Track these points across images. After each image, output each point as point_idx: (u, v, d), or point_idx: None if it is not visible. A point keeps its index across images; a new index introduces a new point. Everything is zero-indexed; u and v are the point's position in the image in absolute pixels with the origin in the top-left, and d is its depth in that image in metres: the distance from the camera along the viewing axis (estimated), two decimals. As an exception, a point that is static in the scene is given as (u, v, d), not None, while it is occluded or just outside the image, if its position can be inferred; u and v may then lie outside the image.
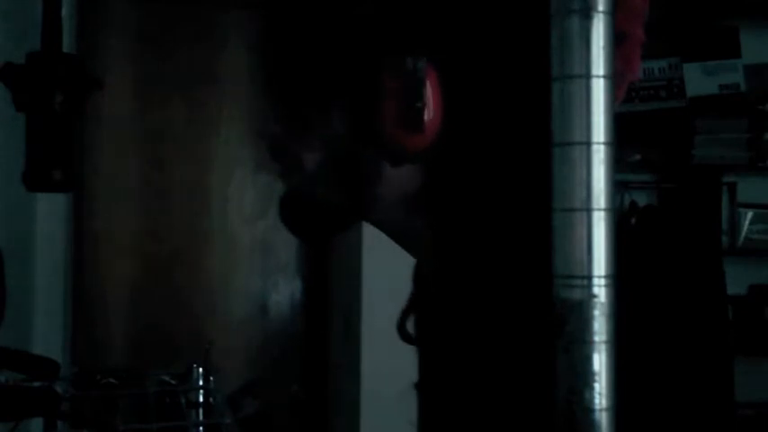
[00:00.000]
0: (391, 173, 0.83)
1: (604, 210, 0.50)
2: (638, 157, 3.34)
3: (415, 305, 1.02)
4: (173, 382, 1.31)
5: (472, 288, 0.86)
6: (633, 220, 3.19)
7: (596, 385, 0.50)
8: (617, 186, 0.52)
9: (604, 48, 0.50)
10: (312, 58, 0.82)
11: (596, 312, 0.50)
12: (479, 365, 0.88)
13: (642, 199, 3.38)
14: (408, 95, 0.76)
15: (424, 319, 0.97)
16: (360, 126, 0.80)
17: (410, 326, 1.03)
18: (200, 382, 1.31)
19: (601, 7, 0.50)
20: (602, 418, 0.49)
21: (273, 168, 0.87)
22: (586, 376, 0.50)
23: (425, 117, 0.77)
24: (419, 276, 1.01)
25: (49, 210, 2.85)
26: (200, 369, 1.33)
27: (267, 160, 0.87)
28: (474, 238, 0.84)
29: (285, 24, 0.86)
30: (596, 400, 0.50)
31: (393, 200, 0.85)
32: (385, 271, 2.88)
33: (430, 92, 0.77)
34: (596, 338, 0.50)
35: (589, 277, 0.50)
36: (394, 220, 0.87)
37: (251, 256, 3.43)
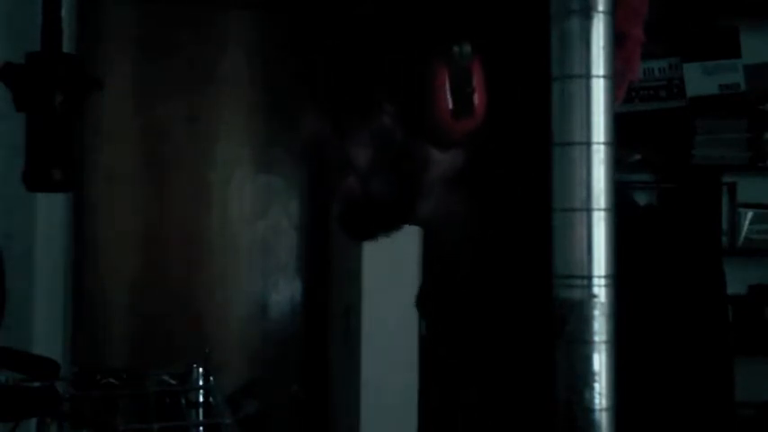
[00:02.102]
0: (438, 158, 0.85)
1: (604, 210, 0.50)
2: (638, 157, 3.34)
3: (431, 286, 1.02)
4: (173, 382, 1.31)
5: (501, 277, 0.86)
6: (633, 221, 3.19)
7: (596, 385, 0.50)
8: (617, 186, 0.52)
9: (604, 48, 0.50)
10: (352, 54, 0.83)
11: (596, 312, 0.50)
12: (476, 372, 0.88)
13: (642, 199, 3.38)
14: (458, 82, 0.78)
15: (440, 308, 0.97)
16: (410, 115, 0.82)
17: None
18: (201, 382, 1.31)
19: (601, 7, 0.50)
20: (602, 418, 0.49)
21: (324, 171, 0.88)
22: (586, 376, 0.50)
23: (474, 101, 0.79)
24: (435, 259, 1.01)
25: (49, 210, 2.85)
26: (201, 369, 1.33)
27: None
28: (512, 224, 0.85)
29: (303, 22, 0.87)
30: (596, 400, 0.49)
31: (441, 185, 0.86)
32: (385, 271, 2.88)
33: (476, 77, 0.79)
34: (596, 338, 0.50)
35: (589, 277, 0.50)
36: (440, 206, 0.88)
37: (251, 256, 3.43)
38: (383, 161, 0.84)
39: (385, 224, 0.89)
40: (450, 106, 0.79)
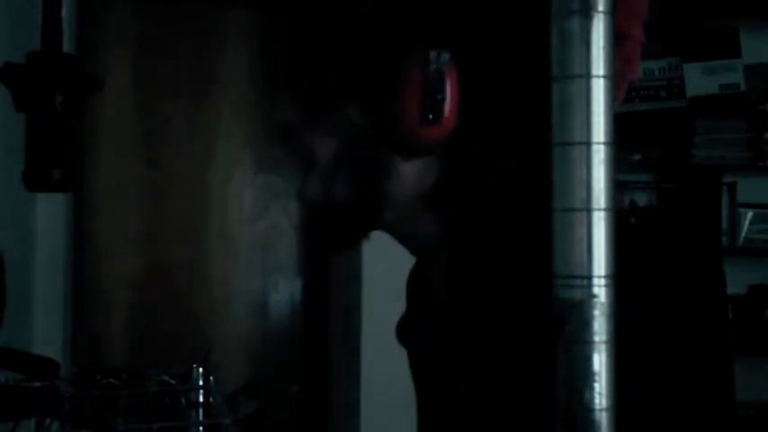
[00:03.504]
0: (404, 168, 0.83)
1: (604, 210, 0.50)
2: (638, 157, 3.34)
3: (414, 310, 1.02)
4: (173, 382, 1.31)
5: (480, 285, 0.86)
6: (633, 220, 3.19)
7: (596, 385, 0.50)
8: (617, 186, 0.52)
9: (604, 48, 0.50)
10: (327, 54, 0.82)
11: (596, 312, 0.50)
12: (481, 365, 0.88)
13: (642, 199, 3.38)
14: (430, 88, 0.77)
15: (424, 321, 0.97)
16: (376, 118, 0.80)
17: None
18: (201, 382, 1.31)
19: (601, 7, 0.50)
20: (602, 418, 0.49)
21: (293, 164, 0.87)
22: (586, 376, 0.49)
23: (444, 110, 0.77)
24: (418, 280, 1.01)
25: (49, 210, 2.85)
26: (200, 369, 1.33)
27: (281, 157, 0.88)
28: (485, 235, 0.85)
29: (298, 21, 0.86)
30: (596, 400, 0.49)
31: (407, 196, 0.85)
32: (385, 271, 2.88)
33: (450, 85, 0.78)
34: (596, 338, 0.50)
35: (589, 277, 0.50)
36: (407, 218, 0.87)
37: (251, 256, 3.43)
38: (347, 166, 0.83)
39: (350, 233, 0.87)
40: (418, 111, 0.77)
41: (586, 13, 0.50)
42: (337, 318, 3.32)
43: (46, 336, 2.75)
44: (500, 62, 0.79)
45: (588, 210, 0.50)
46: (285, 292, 3.45)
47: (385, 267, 2.88)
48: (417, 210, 0.85)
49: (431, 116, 0.77)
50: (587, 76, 0.50)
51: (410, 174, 0.83)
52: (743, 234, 3.41)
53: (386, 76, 0.78)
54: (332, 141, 0.82)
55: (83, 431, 1.14)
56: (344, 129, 0.81)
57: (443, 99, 0.77)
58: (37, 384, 1.15)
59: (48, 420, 1.14)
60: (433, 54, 0.76)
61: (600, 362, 0.50)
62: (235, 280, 3.40)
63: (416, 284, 1.03)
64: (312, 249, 3.45)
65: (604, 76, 0.50)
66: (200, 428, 1.26)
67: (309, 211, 0.86)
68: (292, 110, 0.85)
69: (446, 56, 0.77)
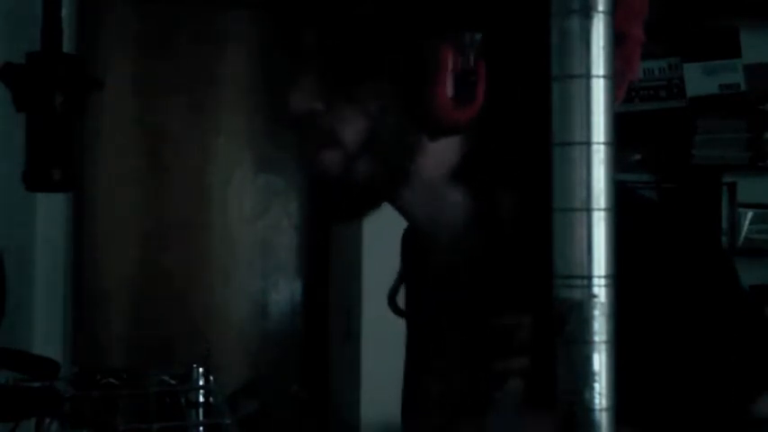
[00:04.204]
0: (430, 147, 0.84)
1: (604, 210, 0.50)
2: (638, 157, 3.34)
3: (404, 279, 1.03)
4: (173, 382, 1.31)
5: (484, 276, 0.86)
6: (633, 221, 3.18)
7: (596, 385, 0.49)
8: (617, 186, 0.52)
9: (604, 48, 0.50)
10: (356, 32, 0.82)
11: (596, 312, 0.50)
12: (475, 359, 0.88)
13: (642, 199, 3.37)
14: (464, 69, 0.78)
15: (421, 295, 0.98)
16: (406, 99, 0.81)
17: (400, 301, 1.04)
18: (201, 382, 1.31)
19: (601, 7, 0.50)
20: (602, 418, 0.49)
21: (306, 143, 0.87)
22: (586, 376, 0.49)
23: (476, 91, 0.80)
24: (416, 251, 1.02)
25: (49, 210, 2.85)
26: (201, 369, 1.33)
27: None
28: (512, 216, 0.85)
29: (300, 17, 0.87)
30: (596, 400, 0.49)
31: (430, 175, 0.85)
32: (385, 270, 2.88)
33: (479, 67, 0.80)
34: (596, 338, 0.50)
35: (589, 277, 0.50)
36: (429, 195, 0.88)
37: (251, 256, 3.43)
38: (370, 140, 0.84)
39: (363, 203, 0.88)
40: (451, 94, 0.79)
41: (586, 12, 0.50)
42: (337, 318, 3.32)
43: (46, 336, 2.75)
44: (515, 56, 0.80)
45: (588, 210, 0.50)
46: (285, 292, 3.45)
47: (385, 267, 2.88)
48: (437, 188, 0.87)
49: (463, 97, 0.78)
50: (587, 76, 0.50)
51: (436, 153, 0.84)
52: (743, 234, 3.41)
53: (415, 60, 0.80)
54: (357, 123, 0.83)
55: (83, 431, 1.14)
56: (370, 111, 0.82)
57: (476, 80, 0.78)
58: (37, 384, 1.15)
59: (48, 420, 1.14)
60: (466, 36, 0.78)
61: (600, 362, 0.50)
62: (235, 280, 3.40)
63: (412, 253, 1.03)
64: (314, 248, 3.46)
65: (604, 76, 0.50)
66: (200, 428, 1.26)
67: (319, 178, 0.87)
68: (311, 96, 0.85)
69: (477, 37, 0.78)
